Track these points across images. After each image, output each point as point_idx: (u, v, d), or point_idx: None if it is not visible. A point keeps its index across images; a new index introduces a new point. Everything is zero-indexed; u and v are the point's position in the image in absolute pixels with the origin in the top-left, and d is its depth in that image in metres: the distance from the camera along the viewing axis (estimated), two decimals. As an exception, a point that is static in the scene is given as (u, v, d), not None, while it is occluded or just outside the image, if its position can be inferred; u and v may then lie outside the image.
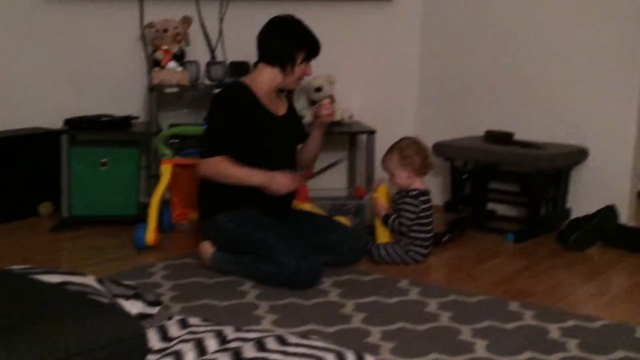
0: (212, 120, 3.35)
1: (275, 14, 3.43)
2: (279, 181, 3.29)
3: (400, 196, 3.62)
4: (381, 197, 3.65)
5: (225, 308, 2.94)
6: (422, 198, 3.58)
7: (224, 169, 3.28)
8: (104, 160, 4.09)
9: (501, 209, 4.46)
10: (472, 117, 4.60)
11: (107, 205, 4.11)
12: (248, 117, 3.33)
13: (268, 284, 3.15)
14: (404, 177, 3.60)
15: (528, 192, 4.16)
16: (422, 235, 3.59)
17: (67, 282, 2.09)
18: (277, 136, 3.43)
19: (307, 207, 3.78)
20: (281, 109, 3.50)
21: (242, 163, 3.29)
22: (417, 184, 3.62)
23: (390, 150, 3.65)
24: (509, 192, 4.34)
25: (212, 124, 3.34)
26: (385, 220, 3.60)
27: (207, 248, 3.39)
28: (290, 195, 3.45)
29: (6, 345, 1.52)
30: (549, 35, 4.35)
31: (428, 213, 3.60)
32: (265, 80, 3.41)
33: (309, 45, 3.40)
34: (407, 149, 3.61)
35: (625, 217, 4.16)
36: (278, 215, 3.39)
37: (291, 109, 3.61)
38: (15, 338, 1.55)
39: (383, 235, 3.64)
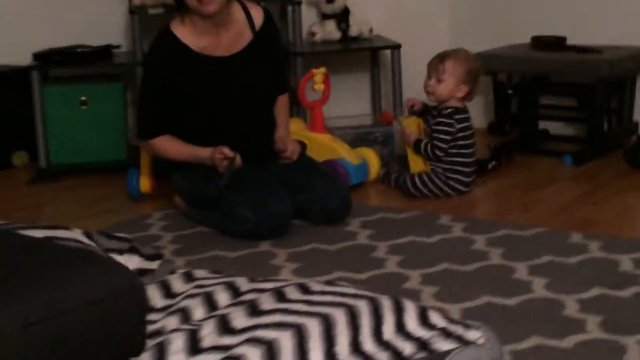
0: (140, 93, 3.40)
1: None
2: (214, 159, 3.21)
3: (432, 116, 3.60)
4: (411, 126, 3.62)
5: (236, 259, 2.96)
6: (458, 116, 3.56)
7: (163, 151, 3.33)
8: (83, 98, 4.08)
9: (555, 127, 4.43)
10: (515, 22, 4.55)
11: (91, 150, 4.11)
12: (177, 80, 3.24)
13: (238, 237, 3.15)
14: (452, 92, 3.56)
15: (586, 106, 4.13)
16: (462, 160, 3.57)
17: (51, 237, 2.09)
18: (223, 86, 3.29)
19: (324, 138, 3.75)
20: (232, 45, 3.32)
21: (193, 135, 3.28)
22: (453, 101, 3.58)
23: (456, 56, 3.58)
24: (564, 107, 4.31)
25: (141, 98, 3.38)
26: (416, 146, 3.58)
27: (179, 202, 3.46)
28: (265, 143, 3.38)
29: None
30: None
31: (467, 133, 3.58)
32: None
33: None
34: (478, 68, 3.59)
35: (703, 127, 4.12)
36: (256, 167, 3.30)
37: (260, 39, 3.36)
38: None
39: (416, 164, 3.62)
